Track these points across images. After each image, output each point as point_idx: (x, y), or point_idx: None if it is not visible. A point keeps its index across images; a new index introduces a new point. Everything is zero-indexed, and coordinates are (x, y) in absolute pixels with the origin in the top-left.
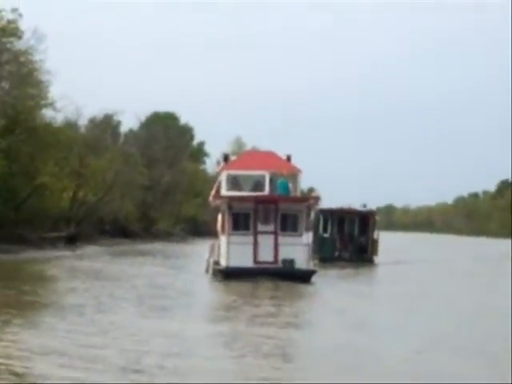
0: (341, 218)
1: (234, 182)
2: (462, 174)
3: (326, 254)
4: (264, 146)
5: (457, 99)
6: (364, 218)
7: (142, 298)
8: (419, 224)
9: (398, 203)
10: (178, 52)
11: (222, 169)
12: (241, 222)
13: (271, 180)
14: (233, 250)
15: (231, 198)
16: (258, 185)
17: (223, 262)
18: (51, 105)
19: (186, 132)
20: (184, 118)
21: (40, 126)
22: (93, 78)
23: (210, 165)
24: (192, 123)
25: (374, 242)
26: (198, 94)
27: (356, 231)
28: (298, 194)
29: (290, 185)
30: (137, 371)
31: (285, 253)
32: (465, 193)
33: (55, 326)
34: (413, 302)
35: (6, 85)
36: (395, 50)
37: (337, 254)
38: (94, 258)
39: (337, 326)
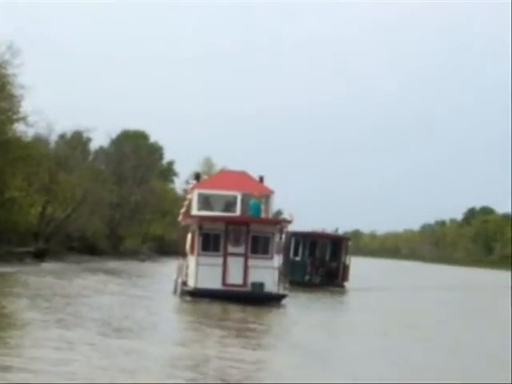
0: (313, 241)
1: (206, 202)
2: (430, 201)
3: (296, 277)
4: (234, 166)
5: (427, 125)
6: (336, 242)
7: (106, 318)
8: (386, 250)
9: (365, 229)
10: (149, 69)
11: (193, 187)
12: (211, 242)
13: (243, 201)
14: (201, 271)
15: (202, 218)
16: (229, 205)
17: (191, 283)
18: (23, 119)
19: (156, 151)
20: (154, 137)
21: (11, 139)
22: (64, 94)
23: (179, 184)
24: (161, 142)
25: (346, 268)
26: (168, 112)
27: (328, 255)
28: (270, 215)
29: (263, 206)
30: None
31: (255, 276)
32: (432, 220)
33: (18, 342)
34: (381, 334)
35: None
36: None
37: (307, 277)
38: (61, 274)
39: (297, 354)
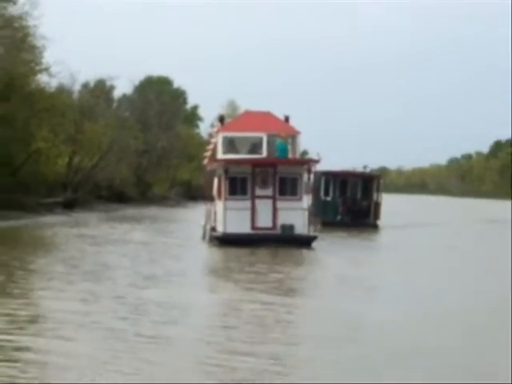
0: (343, 180)
1: (231, 145)
2: (456, 134)
3: (328, 218)
4: (258, 108)
5: (451, 55)
6: (367, 180)
7: (134, 267)
8: (413, 186)
9: (392, 165)
10: (170, 14)
11: (218, 131)
12: (238, 186)
13: (269, 142)
14: (229, 215)
15: (227, 162)
16: (255, 147)
17: (220, 229)
18: (46, 70)
19: (180, 96)
20: (177, 82)
21: (35, 91)
22: (87, 43)
23: (204, 128)
24: (185, 87)
25: (377, 206)
26: (190, 57)
27: (359, 194)
28: (297, 156)
29: (289, 147)
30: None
31: (284, 218)
32: (458, 154)
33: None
34: (419, 270)
35: (0, 50)
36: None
37: (339, 217)
38: (89, 223)
39: (338, 294)
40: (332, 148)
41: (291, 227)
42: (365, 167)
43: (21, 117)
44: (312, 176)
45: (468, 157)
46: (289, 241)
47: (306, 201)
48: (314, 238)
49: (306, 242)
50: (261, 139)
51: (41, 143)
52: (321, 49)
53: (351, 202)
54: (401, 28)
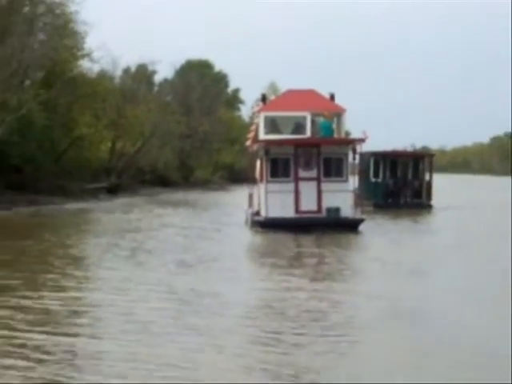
0: (393, 161)
1: (273, 125)
2: (498, 112)
3: (378, 200)
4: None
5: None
6: (419, 160)
7: (174, 254)
8: (455, 165)
9: (434, 145)
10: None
11: (260, 110)
12: (280, 168)
13: (313, 121)
14: (272, 199)
15: (268, 142)
16: (298, 127)
17: (262, 213)
18: (88, 56)
19: (221, 79)
20: (218, 66)
21: (77, 77)
22: (128, 28)
23: (246, 111)
24: (226, 70)
25: (429, 186)
26: (230, 40)
27: (410, 174)
28: (343, 135)
29: (334, 126)
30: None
31: (329, 200)
32: (501, 132)
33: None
34: (483, 255)
35: (43, 37)
36: None
37: (390, 199)
38: (132, 208)
39: (394, 282)
40: (374, 127)
41: (337, 210)
42: (413, 146)
43: (63, 103)
44: (358, 156)
45: (511, 135)
46: (335, 224)
47: (352, 182)
48: (361, 221)
49: (352, 225)
50: (304, 118)
51: (84, 129)
52: (360, 25)
53: (402, 182)
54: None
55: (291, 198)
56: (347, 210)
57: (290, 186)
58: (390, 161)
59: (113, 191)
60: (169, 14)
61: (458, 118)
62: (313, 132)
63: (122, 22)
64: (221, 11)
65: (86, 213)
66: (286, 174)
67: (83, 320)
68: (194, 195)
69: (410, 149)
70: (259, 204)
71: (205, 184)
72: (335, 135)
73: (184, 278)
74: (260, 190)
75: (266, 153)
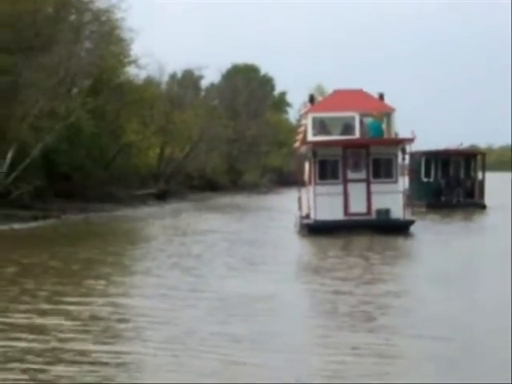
0: (445, 160)
1: (321, 126)
2: None
3: (431, 200)
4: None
5: None
6: (471, 158)
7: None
8: (503, 164)
9: (481, 143)
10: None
11: (307, 111)
12: (328, 169)
13: (362, 122)
14: (320, 201)
15: (316, 144)
16: (348, 128)
17: (311, 215)
18: (134, 62)
19: (267, 83)
20: (264, 69)
21: (124, 84)
22: (174, 35)
23: (293, 114)
24: (272, 73)
25: (482, 185)
26: (276, 44)
27: (462, 173)
28: (393, 135)
29: (384, 126)
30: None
31: (379, 202)
32: None
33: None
34: None
35: (89, 44)
36: None
37: (443, 199)
38: (179, 214)
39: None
40: (421, 127)
41: (387, 212)
42: (461, 144)
43: (111, 110)
44: (407, 156)
45: None
46: (385, 226)
47: (402, 183)
48: (411, 223)
49: (403, 226)
50: (353, 119)
51: (131, 136)
52: (407, 24)
53: (455, 182)
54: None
55: (340, 200)
56: (397, 212)
57: (339, 188)
58: (442, 160)
59: (161, 197)
60: (213, 19)
61: (505, 116)
62: (362, 132)
63: (169, 27)
64: (265, 15)
65: (135, 219)
66: (334, 176)
67: (129, 325)
68: (242, 199)
69: (458, 147)
70: (308, 207)
71: (253, 187)
72: (385, 135)
73: (232, 281)
74: (309, 192)
75: (314, 154)
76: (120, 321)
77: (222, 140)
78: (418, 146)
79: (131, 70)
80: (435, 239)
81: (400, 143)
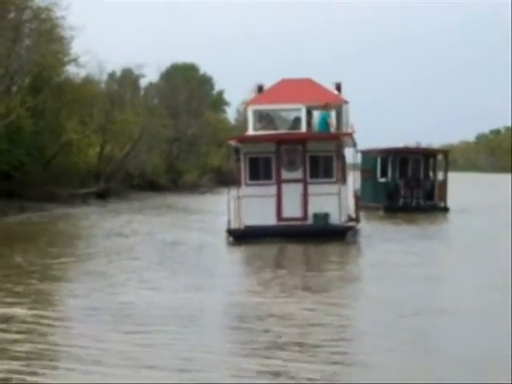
0: (403, 158)
1: (266, 120)
2: (483, 110)
3: (388, 202)
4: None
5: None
6: (431, 157)
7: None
8: (467, 161)
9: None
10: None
11: (248, 103)
12: (260, 168)
13: (310, 114)
14: (250, 204)
15: (242, 139)
16: (297, 122)
17: (238, 221)
18: (74, 61)
19: (206, 82)
20: (203, 68)
21: (64, 82)
22: (113, 32)
23: (231, 114)
24: (211, 72)
25: (443, 186)
26: (213, 41)
27: (422, 173)
28: (345, 130)
29: (330, 119)
30: None
31: (316, 206)
32: (486, 130)
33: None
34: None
35: (28, 42)
36: None
37: (401, 201)
38: (120, 214)
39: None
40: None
41: (325, 216)
42: (418, 143)
43: (51, 109)
44: (359, 153)
45: (496, 132)
46: (322, 233)
47: (352, 182)
48: (347, 229)
49: (339, 233)
50: (298, 111)
51: (71, 134)
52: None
53: (414, 182)
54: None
55: (273, 203)
56: (337, 216)
57: (272, 190)
58: (400, 158)
59: (102, 196)
60: (152, 18)
61: (445, 116)
62: (308, 127)
63: (108, 25)
64: (205, 14)
65: (73, 219)
66: (267, 176)
67: None
68: (181, 200)
69: (418, 145)
70: (237, 210)
71: (193, 187)
72: (332, 130)
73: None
74: (238, 194)
75: (236, 151)
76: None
77: (162, 139)
78: (375, 143)
79: (71, 69)
80: (378, 249)
81: (337, 138)
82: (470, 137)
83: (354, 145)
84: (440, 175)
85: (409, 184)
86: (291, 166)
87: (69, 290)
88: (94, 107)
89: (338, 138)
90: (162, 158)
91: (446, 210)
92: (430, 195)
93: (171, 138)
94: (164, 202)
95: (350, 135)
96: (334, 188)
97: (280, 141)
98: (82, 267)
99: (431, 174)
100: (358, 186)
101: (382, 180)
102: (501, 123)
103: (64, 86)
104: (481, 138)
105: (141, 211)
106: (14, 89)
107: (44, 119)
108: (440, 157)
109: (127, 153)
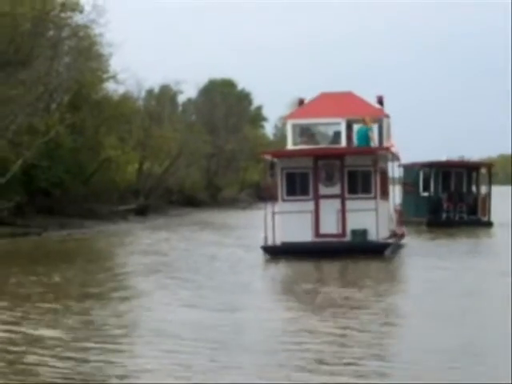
0: (446, 172)
1: (308, 134)
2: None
3: (430, 216)
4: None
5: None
6: (474, 170)
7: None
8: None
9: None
10: (229, 18)
11: (286, 118)
12: (297, 184)
13: (350, 128)
14: (287, 220)
15: (278, 154)
16: (337, 136)
17: (276, 236)
18: (113, 78)
19: (244, 98)
20: (241, 84)
21: (102, 99)
22: (152, 50)
23: (269, 129)
24: (249, 88)
25: (487, 200)
26: (253, 58)
27: (465, 187)
28: (386, 144)
29: (371, 133)
30: None
31: (355, 222)
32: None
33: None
34: None
35: (67, 60)
36: None
37: (444, 216)
38: (161, 230)
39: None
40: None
41: (364, 233)
42: (461, 157)
43: (90, 125)
44: (402, 168)
45: None
46: (360, 250)
47: (392, 197)
48: (386, 246)
49: (378, 250)
50: (338, 125)
51: (110, 151)
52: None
53: (458, 196)
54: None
55: (310, 219)
56: (376, 232)
57: (309, 205)
58: (443, 172)
59: (141, 212)
60: (190, 34)
61: (484, 131)
62: (348, 141)
63: (146, 43)
64: (241, 30)
65: (114, 236)
66: (304, 191)
67: None
68: (220, 215)
69: (461, 159)
70: (275, 226)
71: (232, 202)
72: (373, 144)
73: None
74: (276, 210)
75: (271, 166)
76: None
77: (200, 155)
78: (415, 157)
79: (109, 86)
80: (418, 265)
81: (373, 152)
82: (508, 150)
83: (397, 159)
84: (483, 189)
85: (451, 198)
86: (329, 182)
87: (105, 308)
88: (132, 124)
89: (375, 153)
90: (200, 173)
91: (489, 224)
92: (473, 209)
93: (210, 154)
94: (202, 218)
95: (388, 149)
96: (372, 203)
97: (317, 155)
98: (118, 285)
99: (474, 187)
100: (398, 200)
101: (425, 194)
102: None
103: (102, 102)
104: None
105: (179, 227)
106: (53, 106)
107: (83, 136)
108: (483, 170)
109: (166, 169)
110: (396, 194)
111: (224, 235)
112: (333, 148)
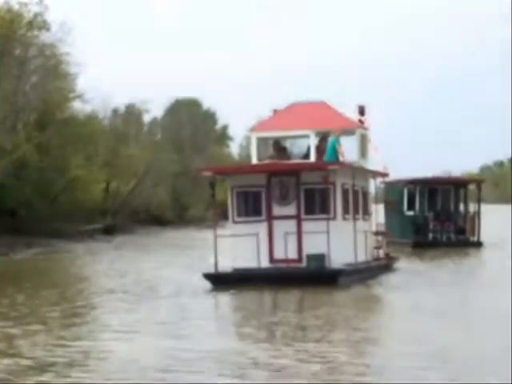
0: (432, 189)
1: (278, 148)
2: (487, 142)
3: (416, 237)
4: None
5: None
6: (462, 187)
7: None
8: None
9: (424, 174)
10: (194, 38)
11: (251, 131)
12: (249, 203)
13: (325, 140)
14: (237, 244)
15: (222, 170)
16: (309, 150)
17: (227, 262)
18: (79, 97)
19: (210, 117)
20: (206, 104)
21: (69, 118)
22: (117, 68)
23: (235, 148)
24: (214, 108)
25: (475, 219)
26: (216, 77)
27: (452, 205)
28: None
29: (339, 146)
30: None
31: (311, 245)
32: (489, 161)
33: None
34: None
35: (34, 79)
36: None
37: (431, 236)
38: (125, 251)
39: None
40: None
41: (320, 258)
42: (446, 173)
43: (56, 145)
44: (381, 185)
45: (500, 164)
46: (315, 277)
47: (374, 217)
48: (339, 273)
49: (329, 277)
50: (307, 138)
51: (77, 170)
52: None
53: (445, 215)
54: None
55: (264, 242)
56: (331, 257)
57: (262, 227)
58: (429, 190)
59: (108, 232)
60: (155, 53)
61: (448, 148)
62: (318, 155)
63: (112, 62)
64: (207, 48)
65: (74, 255)
66: (256, 212)
67: None
68: (186, 235)
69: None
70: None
71: (199, 221)
72: (340, 158)
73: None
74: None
75: (211, 186)
76: None
77: (167, 174)
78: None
79: (76, 105)
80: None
81: (323, 168)
82: (474, 168)
83: (381, 175)
84: (471, 207)
85: (438, 217)
86: (284, 201)
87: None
88: (98, 143)
89: (325, 168)
90: (167, 192)
91: (478, 244)
92: (461, 229)
93: (176, 173)
94: (167, 238)
95: (343, 164)
96: (330, 225)
97: (270, 172)
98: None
99: (462, 205)
100: (380, 219)
101: (409, 213)
102: (504, 155)
103: (69, 121)
104: (484, 170)
105: (142, 248)
106: (20, 125)
107: (50, 156)
108: (472, 187)
109: (133, 188)
110: (379, 213)
111: (182, 256)
112: (286, 163)
